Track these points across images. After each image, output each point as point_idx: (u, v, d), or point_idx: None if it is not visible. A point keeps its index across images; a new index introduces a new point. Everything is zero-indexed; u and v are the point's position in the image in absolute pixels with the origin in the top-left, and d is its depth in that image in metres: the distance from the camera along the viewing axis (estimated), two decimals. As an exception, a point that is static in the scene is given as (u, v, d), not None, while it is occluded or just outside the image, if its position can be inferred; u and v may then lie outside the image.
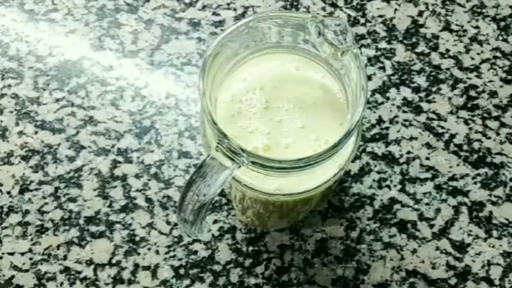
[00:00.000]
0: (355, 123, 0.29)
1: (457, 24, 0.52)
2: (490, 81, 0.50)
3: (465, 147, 0.47)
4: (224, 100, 0.35)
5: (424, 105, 0.49)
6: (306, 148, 0.33)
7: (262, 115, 0.34)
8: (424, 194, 0.46)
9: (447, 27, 0.52)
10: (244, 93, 0.35)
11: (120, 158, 0.46)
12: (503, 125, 0.48)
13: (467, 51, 0.51)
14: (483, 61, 0.50)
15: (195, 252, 0.44)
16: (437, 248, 0.44)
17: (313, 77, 0.35)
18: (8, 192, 0.45)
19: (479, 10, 0.52)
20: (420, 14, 0.52)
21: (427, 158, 0.47)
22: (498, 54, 0.51)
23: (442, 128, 0.48)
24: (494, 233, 0.45)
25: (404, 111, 0.48)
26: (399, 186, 0.46)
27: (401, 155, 0.47)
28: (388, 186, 0.46)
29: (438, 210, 0.45)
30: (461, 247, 0.44)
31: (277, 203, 0.35)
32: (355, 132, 0.31)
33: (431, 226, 0.45)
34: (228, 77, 0.35)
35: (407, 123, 0.48)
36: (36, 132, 0.47)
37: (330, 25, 0.30)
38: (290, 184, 0.33)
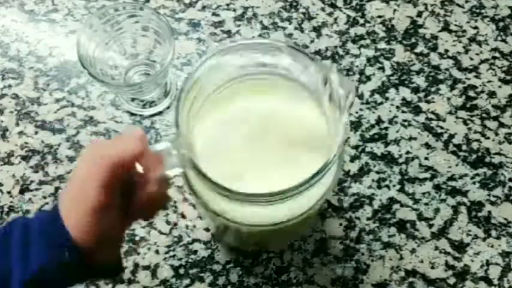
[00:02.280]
0: (332, 158, 0.29)
1: (456, 25, 0.52)
2: (489, 81, 0.50)
3: (464, 147, 0.47)
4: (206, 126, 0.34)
5: (423, 106, 0.49)
6: (284, 180, 0.31)
7: (243, 144, 0.33)
8: (423, 193, 0.46)
9: (446, 28, 0.52)
10: (226, 123, 0.34)
11: (120, 158, 0.46)
12: (502, 125, 0.48)
13: (466, 51, 0.51)
14: (482, 61, 0.51)
15: (195, 252, 0.44)
16: (436, 248, 0.44)
17: (300, 110, 0.34)
18: (9, 192, 0.45)
19: (478, 11, 0.53)
20: (419, 14, 0.52)
21: (426, 158, 0.47)
22: (497, 54, 0.51)
23: (441, 128, 0.48)
24: (493, 233, 0.45)
25: (403, 112, 0.48)
26: (398, 186, 0.46)
27: (400, 155, 0.47)
28: (387, 186, 0.46)
29: (437, 210, 0.45)
30: (460, 247, 0.44)
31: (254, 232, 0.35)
32: (334, 165, 0.30)
33: (430, 226, 0.45)
34: (210, 102, 0.34)
35: (406, 123, 0.48)
36: (36, 133, 0.47)
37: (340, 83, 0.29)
38: (268, 214, 0.32)
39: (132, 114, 0.48)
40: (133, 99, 0.48)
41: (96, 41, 0.42)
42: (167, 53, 0.41)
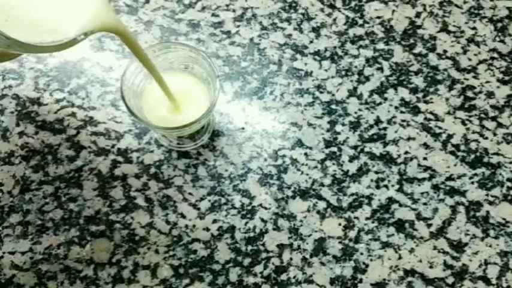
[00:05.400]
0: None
1: (454, 26, 0.52)
2: (487, 81, 0.50)
3: (462, 147, 0.48)
4: None
5: (422, 106, 0.49)
6: None
7: None
8: (422, 193, 0.46)
9: (444, 29, 0.52)
10: None
11: (120, 158, 0.47)
12: (500, 125, 0.48)
13: (465, 52, 0.51)
14: (480, 62, 0.51)
15: (195, 252, 0.44)
16: (435, 248, 0.44)
17: None
18: (9, 192, 0.46)
19: (476, 11, 0.53)
20: (418, 15, 0.53)
21: (425, 158, 0.47)
22: (495, 55, 0.51)
23: (440, 128, 0.48)
24: (491, 233, 0.45)
25: (402, 112, 0.49)
26: (397, 186, 0.46)
27: (399, 155, 0.47)
28: (386, 186, 0.46)
29: (436, 210, 0.45)
30: (458, 246, 0.45)
31: None
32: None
33: (429, 226, 0.45)
34: None
35: (405, 123, 0.48)
36: (36, 133, 0.47)
37: None
38: None
39: (132, 114, 0.48)
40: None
41: (143, 75, 0.42)
42: (212, 96, 0.40)
